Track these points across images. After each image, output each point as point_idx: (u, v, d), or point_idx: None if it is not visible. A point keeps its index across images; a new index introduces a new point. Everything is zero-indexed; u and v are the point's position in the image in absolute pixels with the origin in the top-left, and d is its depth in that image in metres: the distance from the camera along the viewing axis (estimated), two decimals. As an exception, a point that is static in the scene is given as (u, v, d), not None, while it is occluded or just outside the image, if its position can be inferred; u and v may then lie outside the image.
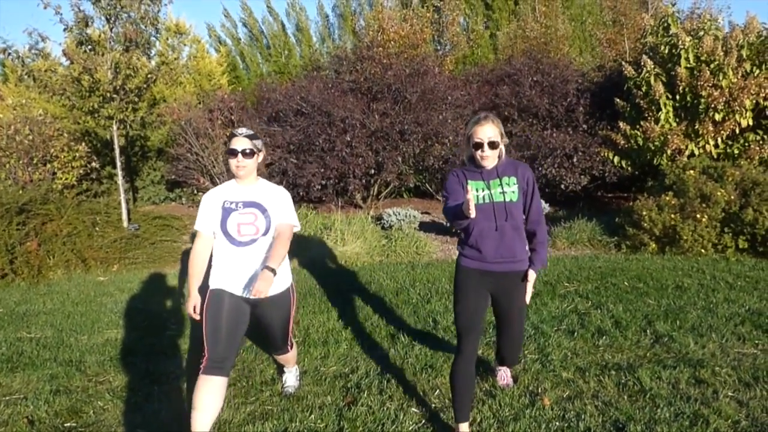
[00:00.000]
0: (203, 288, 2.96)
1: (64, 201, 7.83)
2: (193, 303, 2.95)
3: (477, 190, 2.82)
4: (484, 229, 2.84)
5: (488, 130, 2.79)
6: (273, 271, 2.67)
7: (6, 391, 3.58)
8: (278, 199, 3.01)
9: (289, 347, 3.29)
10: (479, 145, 2.79)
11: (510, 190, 2.84)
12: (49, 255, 6.90)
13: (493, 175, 2.85)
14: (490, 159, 2.82)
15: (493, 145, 2.79)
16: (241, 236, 2.92)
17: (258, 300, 2.89)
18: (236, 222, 2.92)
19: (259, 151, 3.01)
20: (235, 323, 2.84)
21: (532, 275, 2.89)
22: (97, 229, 7.53)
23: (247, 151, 2.92)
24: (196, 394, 2.63)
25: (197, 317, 2.91)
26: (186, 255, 7.44)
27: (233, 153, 2.91)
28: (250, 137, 2.95)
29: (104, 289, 6.11)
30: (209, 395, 2.63)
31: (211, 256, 3.01)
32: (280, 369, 3.62)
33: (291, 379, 3.49)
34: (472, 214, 2.49)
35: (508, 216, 2.82)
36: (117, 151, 8.54)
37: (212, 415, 2.62)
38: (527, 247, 2.96)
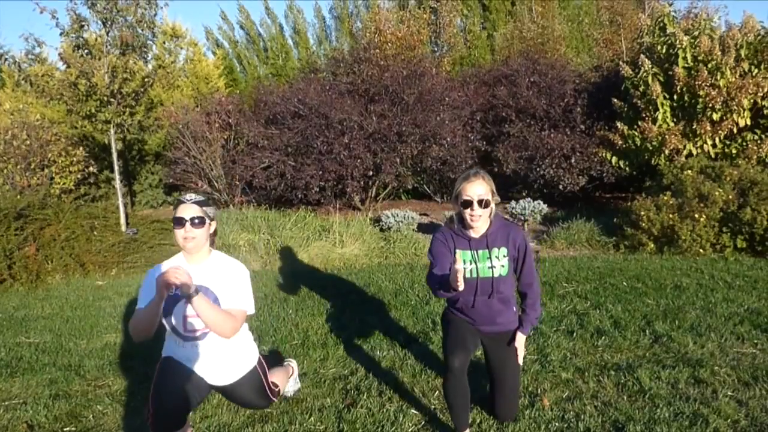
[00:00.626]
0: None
1: (62, 205, 7.82)
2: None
3: (464, 262, 2.66)
4: (469, 301, 2.77)
5: (478, 188, 2.61)
6: (196, 295, 2.30)
7: (5, 396, 3.58)
8: (232, 281, 2.57)
9: (273, 399, 2.88)
10: (468, 204, 2.61)
11: (499, 264, 2.71)
12: (47, 260, 6.89)
13: (482, 245, 2.70)
14: (480, 219, 2.65)
15: (483, 204, 2.61)
16: (187, 332, 2.54)
17: (224, 386, 2.66)
18: (182, 314, 2.52)
19: (211, 219, 2.59)
20: (184, 389, 2.50)
21: (520, 338, 2.84)
22: (95, 233, 7.53)
23: (197, 220, 2.49)
24: None
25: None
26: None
27: (180, 222, 2.48)
28: (200, 203, 2.54)
29: (103, 294, 6.10)
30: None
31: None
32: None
33: (290, 382, 3.47)
34: (461, 287, 2.35)
35: (494, 292, 2.72)
36: (114, 155, 8.54)
37: None
38: (516, 310, 2.91)
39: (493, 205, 2.68)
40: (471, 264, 2.70)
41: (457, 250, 2.69)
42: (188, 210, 2.50)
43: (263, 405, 2.88)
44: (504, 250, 2.71)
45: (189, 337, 2.55)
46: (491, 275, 2.70)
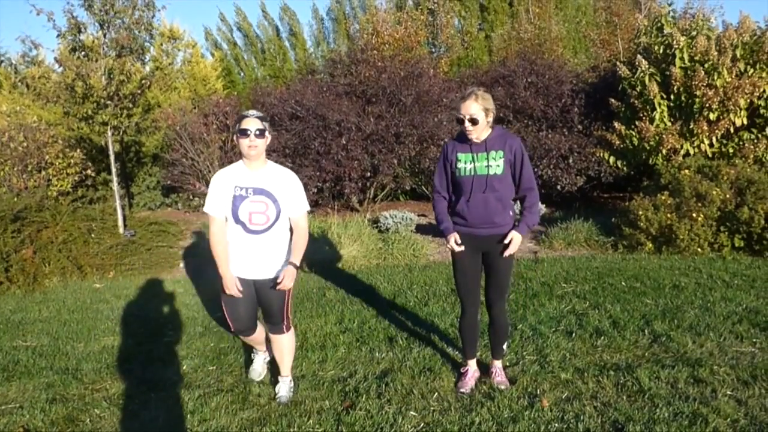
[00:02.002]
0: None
1: (60, 208, 7.79)
2: (229, 283, 3.13)
3: (465, 162, 3.12)
4: (469, 199, 3.14)
5: (470, 107, 3.00)
6: (296, 266, 3.05)
7: (2, 401, 3.56)
8: (288, 185, 3.15)
9: (285, 326, 3.31)
10: (461, 121, 3.04)
11: (495, 164, 3.08)
12: (44, 262, 6.86)
13: (482, 149, 3.10)
14: (473, 133, 3.05)
15: (473, 122, 3.00)
16: (253, 225, 3.08)
17: (260, 281, 3.19)
18: (248, 210, 3.06)
19: (269, 132, 3.13)
20: (248, 305, 3.24)
21: (516, 235, 3.11)
22: (92, 235, 7.50)
23: (258, 131, 3.02)
24: (244, 340, 3.53)
25: (238, 293, 3.16)
26: (187, 257, 7.43)
27: (245, 133, 2.99)
28: (261, 118, 3.06)
29: (100, 296, 6.08)
30: (251, 340, 3.49)
31: None
32: (275, 378, 3.55)
33: (284, 389, 3.40)
34: (456, 249, 3.09)
35: (488, 188, 3.09)
36: (112, 157, 8.52)
37: (263, 342, 3.57)
38: (512, 214, 3.20)
39: (488, 119, 3.06)
40: (470, 164, 3.11)
41: (459, 153, 3.13)
42: (252, 122, 3.01)
43: (278, 317, 3.27)
44: (501, 153, 3.09)
45: (253, 230, 3.09)
46: (487, 173, 3.09)
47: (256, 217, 3.07)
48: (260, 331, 3.47)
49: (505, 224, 3.18)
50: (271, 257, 3.19)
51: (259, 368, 3.67)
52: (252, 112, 3.10)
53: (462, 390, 3.36)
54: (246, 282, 3.20)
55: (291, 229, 3.30)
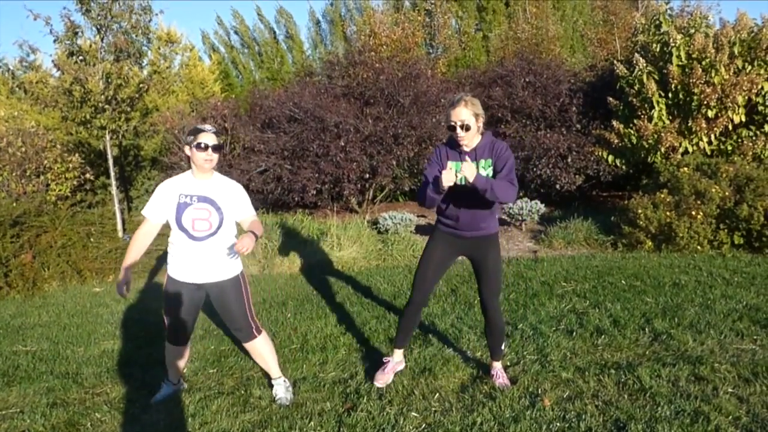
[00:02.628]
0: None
1: (58, 212, 7.79)
2: (124, 280, 3.18)
3: (456, 171, 3.05)
4: (458, 205, 3.17)
5: (461, 113, 3.00)
6: (255, 235, 3.08)
7: (2, 405, 3.55)
8: (232, 194, 3.24)
9: (254, 329, 3.34)
10: (453, 128, 3.03)
11: (485, 172, 3.10)
12: (43, 267, 6.86)
13: (471, 158, 3.10)
14: (465, 139, 3.05)
15: (465, 128, 3.00)
16: (196, 231, 3.15)
17: (210, 287, 3.25)
18: (191, 217, 3.13)
19: (223, 146, 3.18)
20: (190, 312, 3.28)
21: (470, 169, 2.90)
22: (91, 240, 7.50)
23: (216, 147, 3.12)
24: (168, 355, 3.41)
25: (126, 294, 3.20)
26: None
27: (203, 147, 3.07)
28: (216, 133, 3.17)
29: (100, 300, 6.08)
30: (177, 355, 3.40)
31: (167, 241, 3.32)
32: (270, 382, 3.55)
33: (280, 390, 3.41)
34: (446, 184, 2.84)
35: (479, 199, 3.04)
36: (110, 161, 8.51)
37: (181, 368, 3.51)
38: (498, 217, 3.23)
39: (479, 124, 3.06)
40: (460, 172, 3.05)
41: (449, 162, 3.08)
42: (210, 137, 3.11)
43: (244, 323, 3.31)
44: (489, 161, 3.11)
45: (196, 237, 3.16)
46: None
47: (199, 224, 3.14)
48: (185, 351, 3.45)
49: (490, 227, 3.24)
50: (216, 262, 3.23)
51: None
52: (208, 126, 3.16)
53: (377, 384, 3.41)
54: (189, 287, 3.23)
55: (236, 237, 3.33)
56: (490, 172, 3.10)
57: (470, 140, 3.08)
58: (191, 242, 3.17)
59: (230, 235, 3.28)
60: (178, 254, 3.24)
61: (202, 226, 3.14)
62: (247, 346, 3.40)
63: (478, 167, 3.07)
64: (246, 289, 3.35)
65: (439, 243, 3.33)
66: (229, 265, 3.26)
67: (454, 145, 3.14)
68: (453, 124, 3.02)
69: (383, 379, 3.44)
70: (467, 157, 3.05)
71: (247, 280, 3.40)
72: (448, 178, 2.85)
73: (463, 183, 3.03)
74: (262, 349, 3.40)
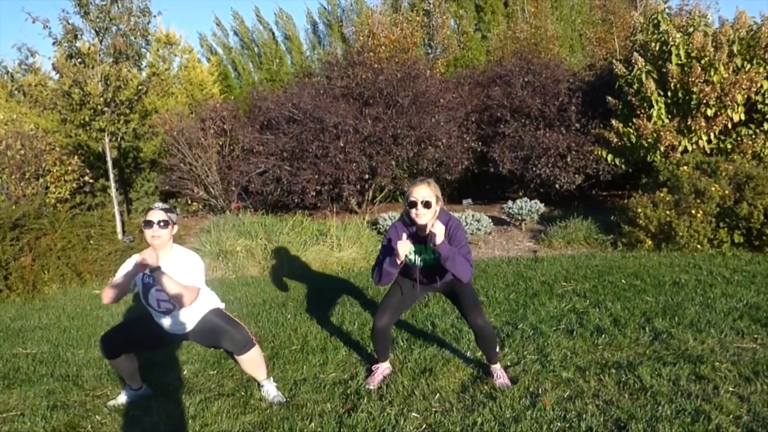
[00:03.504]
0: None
1: (58, 215, 7.78)
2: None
3: (411, 253, 3.21)
4: (418, 279, 3.31)
5: (423, 191, 3.09)
6: (158, 269, 3.04)
7: (3, 408, 3.55)
8: (187, 266, 3.22)
9: (248, 344, 3.29)
10: (414, 204, 3.09)
11: (433, 256, 3.20)
12: (43, 269, 6.86)
13: (425, 241, 3.17)
14: (422, 217, 3.09)
15: (426, 205, 3.07)
16: (161, 308, 3.26)
17: (184, 335, 3.37)
18: (155, 298, 3.23)
19: (174, 223, 3.26)
20: (144, 338, 3.42)
21: (439, 229, 2.98)
22: (91, 242, 7.49)
23: (162, 223, 3.16)
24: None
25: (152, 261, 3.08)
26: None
27: (149, 224, 3.14)
28: (165, 210, 3.22)
29: (100, 303, 6.05)
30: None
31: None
32: (258, 385, 3.53)
33: (273, 390, 3.41)
34: (402, 252, 2.96)
35: (436, 269, 3.24)
36: (110, 164, 8.51)
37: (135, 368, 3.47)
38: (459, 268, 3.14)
39: (437, 207, 3.14)
40: (418, 254, 3.26)
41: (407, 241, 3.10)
42: (156, 214, 3.16)
43: (236, 343, 3.26)
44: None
45: (162, 311, 3.26)
46: (434, 263, 3.24)
47: (164, 304, 3.23)
48: (132, 361, 3.44)
49: (448, 279, 3.33)
50: (189, 321, 3.33)
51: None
52: (158, 204, 3.25)
53: (369, 386, 3.49)
54: (163, 331, 3.37)
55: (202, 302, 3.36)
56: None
57: (429, 218, 3.11)
58: (159, 315, 3.30)
59: (197, 303, 3.26)
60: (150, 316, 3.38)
61: (167, 306, 3.23)
62: (240, 359, 3.32)
63: (429, 249, 3.16)
64: (221, 316, 3.36)
65: (402, 285, 3.42)
66: (202, 314, 3.33)
67: (409, 224, 3.20)
68: (414, 200, 3.08)
69: (374, 382, 3.54)
70: (422, 242, 3.18)
71: (226, 313, 3.43)
72: (403, 248, 2.95)
73: (419, 264, 3.23)
74: (255, 357, 3.34)
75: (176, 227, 3.31)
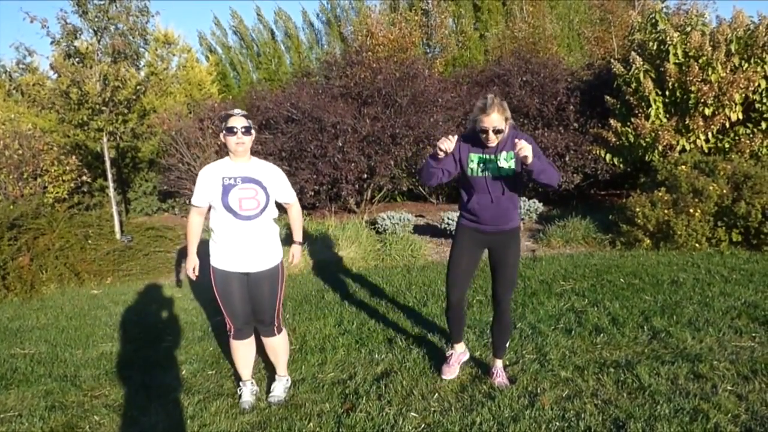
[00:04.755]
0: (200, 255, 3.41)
1: (56, 215, 7.76)
2: (192, 264, 3.37)
3: (477, 163, 3.14)
4: (481, 199, 3.18)
5: (494, 119, 2.98)
6: (300, 243, 3.47)
7: (0, 409, 3.54)
8: (274, 176, 3.30)
9: (276, 327, 3.39)
10: (485, 131, 3.02)
11: (507, 165, 3.10)
12: (41, 269, 6.84)
13: (493, 151, 3.10)
14: (495, 142, 3.07)
15: (498, 132, 3.02)
16: (243, 210, 3.16)
17: (254, 274, 3.26)
18: (238, 197, 3.14)
19: (254, 130, 3.25)
20: (244, 299, 3.28)
21: (527, 148, 2.89)
22: (89, 242, 7.48)
23: (245, 129, 3.14)
24: (236, 356, 3.40)
25: (194, 276, 3.38)
26: (184, 262, 7.42)
27: (233, 131, 3.11)
28: (246, 116, 3.20)
29: (98, 302, 6.07)
30: (245, 352, 3.39)
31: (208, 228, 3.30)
32: (272, 377, 3.60)
33: (279, 389, 3.45)
34: (444, 147, 2.93)
35: (504, 188, 3.15)
36: (108, 163, 8.49)
37: (252, 364, 3.47)
38: (519, 211, 3.29)
39: (507, 126, 3.05)
40: (482, 164, 3.14)
41: (471, 154, 3.14)
42: (238, 120, 3.15)
43: (270, 317, 3.34)
44: (511, 153, 3.07)
45: (243, 216, 3.16)
46: (499, 174, 3.12)
47: (247, 203, 3.15)
48: (253, 344, 3.46)
49: (512, 220, 3.25)
50: (262, 247, 3.25)
51: (250, 398, 3.44)
52: (237, 111, 3.21)
53: (445, 377, 3.49)
54: (239, 277, 3.25)
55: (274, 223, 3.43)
56: (512, 164, 3.09)
57: (498, 141, 3.09)
58: (238, 223, 3.16)
59: (272, 217, 3.34)
60: (223, 240, 3.22)
61: (250, 205, 3.16)
62: (266, 341, 3.44)
63: (499, 159, 3.08)
64: (282, 283, 3.37)
65: (464, 242, 3.34)
66: (272, 252, 3.30)
67: (473, 140, 3.13)
68: (485, 128, 3.00)
69: (449, 371, 3.51)
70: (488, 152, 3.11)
71: (285, 273, 3.46)
72: (447, 144, 2.93)
73: (484, 175, 3.11)
74: (278, 345, 3.45)
75: (254, 135, 3.28)
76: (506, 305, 3.38)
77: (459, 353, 3.59)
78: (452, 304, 3.40)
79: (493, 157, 3.10)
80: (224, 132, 3.16)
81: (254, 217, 3.18)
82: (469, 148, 3.15)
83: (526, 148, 2.87)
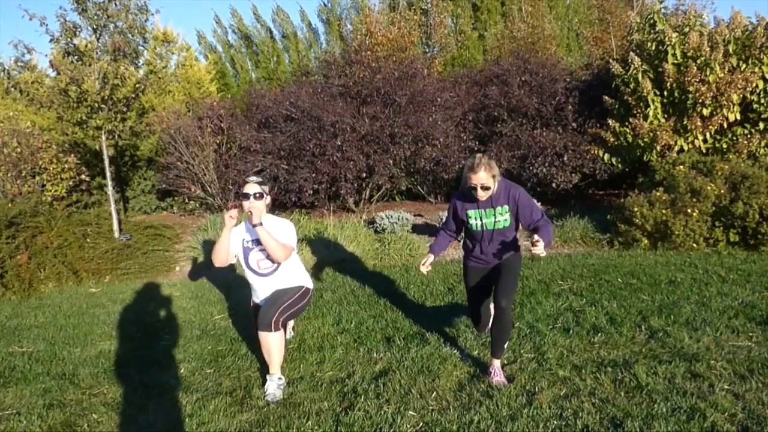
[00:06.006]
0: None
1: (54, 213, 7.76)
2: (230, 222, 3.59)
3: (475, 219, 3.48)
4: (484, 247, 3.57)
5: (481, 177, 3.26)
6: (260, 225, 3.51)
7: (-2, 407, 3.54)
8: (280, 231, 3.65)
9: (272, 326, 3.49)
10: (474, 189, 3.31)
11: (503, 218, 3.44)
12: (40, 268, 6.84)
13: (488, 205, 3.42)
14: (484, 197, 3.35)
15: (486, 189, 3.30)
16: (261, 269, 3.69)
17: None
18: (255, 259, 3.69)
19: (267, 194, 3.62)
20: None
21: (539, 248, 3.12)
22: (88, 240, 7.47)
23: (257, 195, 3.52)
24: (264, 347, 3.54)
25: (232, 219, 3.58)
26: (183, 260, 7.41)
27: (246, 197, 3.51)
28: (260, 183, 3.56)
29: (96, 301, 6.06)
30: (274, 343, 3.51)
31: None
32: (265, 376, 3.61)
33: (272, 387, 3.46)
34: (424, 270, 3.64)
35: (498, 236, 3.51)
36: (106, 162, 8.49)
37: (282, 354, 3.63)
38: (519, 240, 3.61)
39: (496, 183, 3.33)
40: (479, 219, 3.48)
41: (468, 211, 3.50)
42: (252, 187, 3.54)
43: (271, 314, 3.50)
44: (506, 207, 3.42)
45: (261, 273, 3.71)
46: (494, 227, 3.48)
47: (264, 263, 3.67)
48: (282, 338, 3.60)
49: (514, 251, 3.58)
50: (282, 289, 3.76)
51: (278, 393, 3.47)
52: (253, 177, 3.59)
53: (499, 384, 3.41)
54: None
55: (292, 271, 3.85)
56: (507, 217, 3.43)
57: (489, 195, 3.37)
58: (259, 279, 3.72)
59: (290, 266, 3.78)
60: (251, 286, 3.85)
61: (266, 264, 3.67)
62: (260, 335, 3.52)
63: (495, 214, 3.42)
64: (297, 297, 3.70)
65: (473, 276, 3.73)
66: (292, 277, 3.81)
67: (470, 197, 3.43)
68: (474, 185, 3.29)
69: (500, 380, 3.45)
70: (482, 207, 3.47)
71: (310, 298, 3.91)
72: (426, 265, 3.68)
73: (481, 229, 3.48)
74: (271, 345, 3.50)
75: (269, 198, 3.67)
76: (507, 304, 3.40)
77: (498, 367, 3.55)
78: (480, 325, 3.90)
79: (489, 211, 3.43)
80: (240, 196, 3.55)
81: (271, 274, 3.69)
82: (466, 206, 3.50)
83: (539, 248, 3.11)
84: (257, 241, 3.63)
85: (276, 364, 3.52)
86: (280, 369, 3.56)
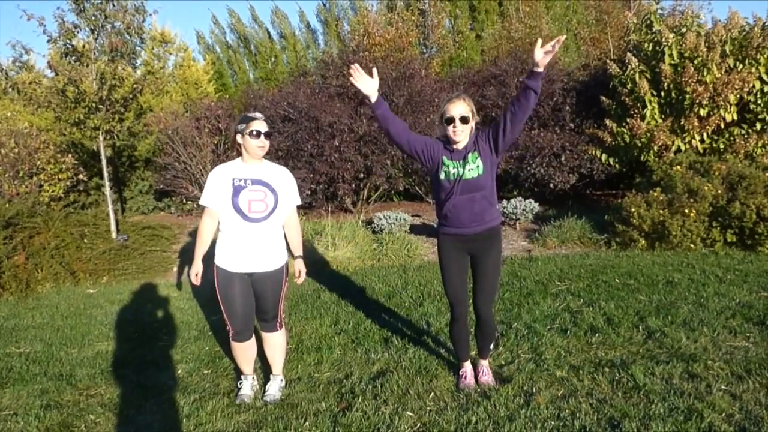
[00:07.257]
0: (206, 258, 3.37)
1: (52, 213, 7.74)
2: (195, 270, 3.31)
3: (448, 167, 3.12)
4: (456, 202, 3.13)
5: (460, 107, 3.05)
6: (303, 257, 3.44)
7: (-5, 408, 3.53)
8: (284, 179, 3.37)
9: (278, 323, 3.47)
10: (451, 120, 3.05)
11: (475, 165, 3.09)
12: (37, 268, 6.82)
13: (460, 156, 3.11)
14: (461, 134, 3.07)
15: (464, 120, 3.05)
16: (252, 212, 3.21)
17: (257, 274, 3.29)
18: (247, 198, 3.20)
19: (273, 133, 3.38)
20: (245, 302, 3.30)
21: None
22: (85, 240, 7.46)
23: (267, 133, 3.28)
24: (236, 354, 3.44)
25: (198, 282, 3.32)
26: (181, 261, 7.41)
27: (256, 134, 3.22)
28: (266, 120, 3.34)
29: (94, 302, 6.05)
30: (244, 352, 3.41)
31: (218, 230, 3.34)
32: (267, 377, 3.63)
33: (274, 388, 3.48)
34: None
35: (478, 189, 3.11)
36: (104, 162, 8.47)
37: (253, 360, 3.51)
38: (499, 209, 3.16)
39: (473, 123, 3.12)
40: (453, 168, 3.11)
41: (444, 158, 3.14)
42: (262, 125, 3.26)
43: (272, 314, 3.42)
44: (476, 153, 3.10)
45: (251, 218, 3.22)
46: (471, 176, 3.09)
47: (256, 205, 3.21)
48: (253, 344, 3.49)
49: (492, 219, 3.22)
50: (268, 249, 3.30)
51: (249, 392, 3.50)
52: (258, 114, 3.32)
53: (465, 388, 3.37)
54: (241, 277, 3.28)
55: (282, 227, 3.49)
56: (479, 163, 3.08)
57: (466, 135, 3.09)
58: (246, 225, 3.21)
59: (281, 221, 3.40)
60: (229, 241, 3.26)
61: (259, 207, 3.22)
62: (265, 336, 3.49)
63: (467, 162, 3.08)
64: (285, 281, 3.43)
65: (449, 252, 3.28)
66: (277, 254, 3.36)
67: (445, 144, 3.16)
68: (451, 116, 3.03)
69: (470, 384, 3.43)
70: (458, 157, 3.12)
71: (288, 273, 3.51)
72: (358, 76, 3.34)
73: (455, 178, 3.08)
74: (277, 343, 3.51)
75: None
76: (487, 315, 3.30)
77: (470, 369, 3.50)
78: (456, 316, 3.34)
79: (461, 162, 3.09)
80: (246, 134, 3.22)
81: (262, 220, 3.24)
82: (443, 154, 3.14)
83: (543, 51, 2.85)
84: (255, 181, 3.24)
85: (280, 364, 3.55)
86: (282, 369, 3.59)
